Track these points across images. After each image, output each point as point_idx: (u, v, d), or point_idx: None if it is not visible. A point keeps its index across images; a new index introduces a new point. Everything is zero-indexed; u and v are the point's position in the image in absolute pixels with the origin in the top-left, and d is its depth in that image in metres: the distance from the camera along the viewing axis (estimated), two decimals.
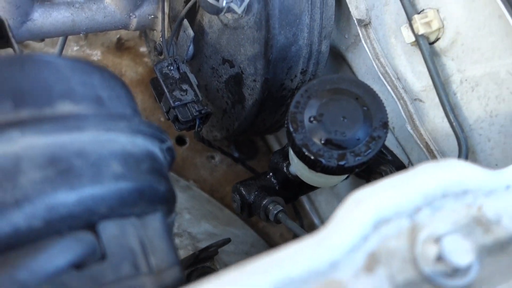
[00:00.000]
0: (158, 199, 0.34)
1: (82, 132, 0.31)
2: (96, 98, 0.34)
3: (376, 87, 0.50)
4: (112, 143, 0.32)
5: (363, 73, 0.62)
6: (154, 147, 0.35)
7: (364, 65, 0.61)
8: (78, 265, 0.28)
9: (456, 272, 0.26)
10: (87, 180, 0.30)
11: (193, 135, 0.69)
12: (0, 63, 0.31)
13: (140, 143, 0.33)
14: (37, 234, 0.27)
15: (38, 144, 0.28)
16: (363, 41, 0.58)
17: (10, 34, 0.44)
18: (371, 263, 0.26)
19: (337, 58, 0.67)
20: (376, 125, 0.46)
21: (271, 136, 0.90)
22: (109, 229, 0.31)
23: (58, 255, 0.27)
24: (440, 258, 0.26)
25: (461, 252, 0.26)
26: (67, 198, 0.28)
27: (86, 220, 0.30)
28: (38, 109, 0.30)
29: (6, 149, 0.27)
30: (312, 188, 0.62)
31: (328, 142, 0.46)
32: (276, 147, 0.89)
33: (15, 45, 0.44)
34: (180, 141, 0.91)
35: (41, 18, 0.56)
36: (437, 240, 0.26)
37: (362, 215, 0.26)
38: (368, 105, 0.47)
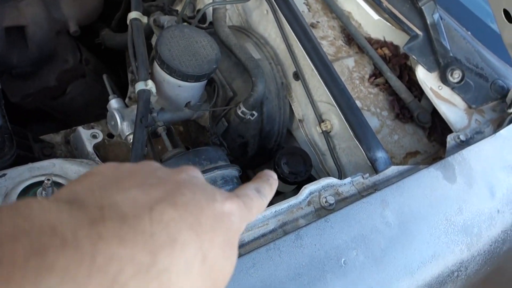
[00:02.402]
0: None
1: (220, 170, 1.03)
2: (219, 160, 1.06)
3: (307, 148, 1.27)
4: (226, 172, 1.04)
5: (302, 142, 1.40)
6: (235, 172, 1.08)
7: (303, 139, 1.39)
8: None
9: (328, 206, 1.01)
10: (220, 184, 1.02)
11: None
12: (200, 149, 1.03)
13: (233, 172, 1.06)
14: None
15: (215, 173, 1.00)
16: (301, 129, 1.35)
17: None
18: (309, 201, 1.01)
19: (291, 134, 1.44)
20: (308, 165, 1.22)
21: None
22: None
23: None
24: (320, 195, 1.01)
25: (330, 199, 1.01)
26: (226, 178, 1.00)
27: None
28: (213, 163, 1.02)
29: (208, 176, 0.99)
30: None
31: (290, 172, 1.21)
32: None
33: None
34: None
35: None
36: (311, 193, 1.02)
37: (307, 190, 1.01)
38: (304, 157, 1.23)
